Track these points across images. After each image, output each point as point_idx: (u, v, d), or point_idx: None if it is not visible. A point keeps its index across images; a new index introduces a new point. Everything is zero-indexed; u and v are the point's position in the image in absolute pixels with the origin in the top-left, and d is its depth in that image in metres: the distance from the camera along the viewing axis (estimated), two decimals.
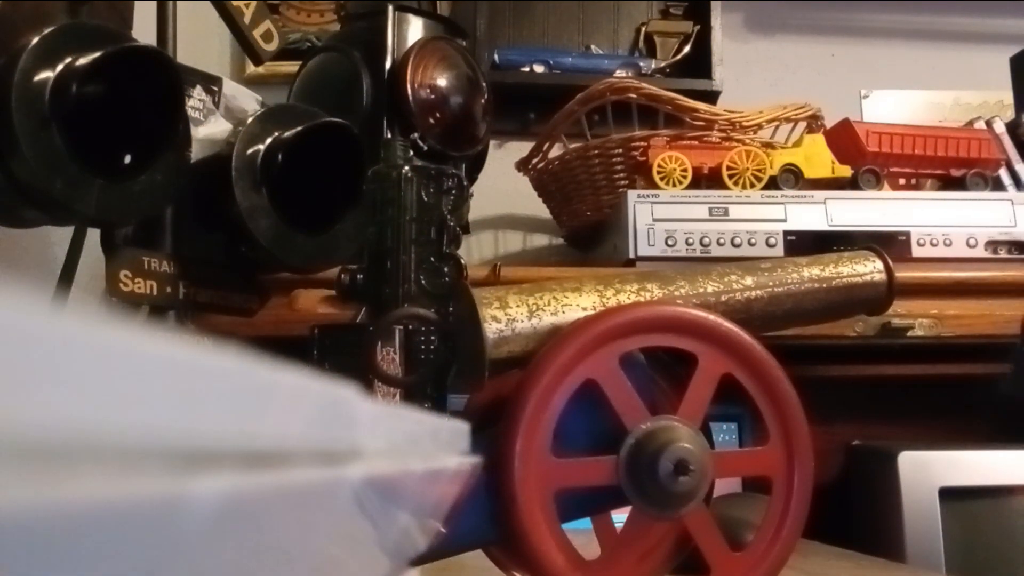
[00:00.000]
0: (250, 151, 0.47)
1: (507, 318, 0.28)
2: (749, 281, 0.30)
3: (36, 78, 0.39)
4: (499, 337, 0.28)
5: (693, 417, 0.26)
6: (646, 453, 0.25)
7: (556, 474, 0.26)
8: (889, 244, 1.17)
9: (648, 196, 1.37)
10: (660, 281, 0.29)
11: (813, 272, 0.31)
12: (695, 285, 0.29)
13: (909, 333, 1.13)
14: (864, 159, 1.32)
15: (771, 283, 0.30)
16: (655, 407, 0.26)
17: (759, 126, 1.32)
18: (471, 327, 0.28)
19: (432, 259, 0.49)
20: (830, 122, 1.38)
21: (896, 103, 1.70)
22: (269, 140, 0.47)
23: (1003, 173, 1.42)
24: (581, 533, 0.32)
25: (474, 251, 1.78)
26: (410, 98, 0.65)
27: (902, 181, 1.37)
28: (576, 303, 0.28)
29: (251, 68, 1.67)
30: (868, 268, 0.33)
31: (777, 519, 0.26)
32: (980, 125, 1.47)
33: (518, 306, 0.28)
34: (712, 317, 0.27)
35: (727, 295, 0.29)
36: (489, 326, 0.28)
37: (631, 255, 1.34)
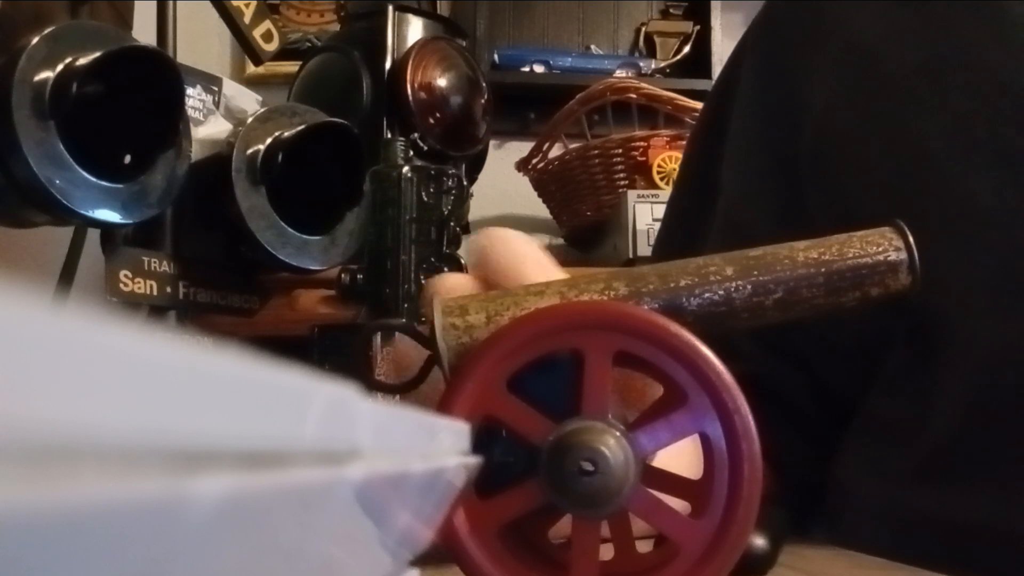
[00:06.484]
0: (250, 151, 0.47)
1: (466, 325, 0.27)
2: (729, 271, 0.28)
3: (36, 78, 0.39)
4: (459, 345, 0.27)
5: (598, 410, 0.25)
6: (560, 464, 0.24)
7: (489, 516, 0.25)
8: None
9: (648, 196, 1.37)
10: (628, 279, 0.28)
11: (810, 255, 0.28)
12: (666, 280, 0.28)
13: None
14: None
15: (756, 271, 0.28)
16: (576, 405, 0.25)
17: None
18: (434, 337, 0.27)
19: (432, 259, 0.49)
20: None
21: None
22: (269, 140, 0.47)
23: None
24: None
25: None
26: (410, 98, 0.65)
27: None
28: (536, 306, 0.27)
29: (251, 68, 1.67)
30: (882, 246, 0.29)
31: (727, 474, 0.25)
32: None
33: (477, 312, 0.27)
34: (582, 302, 0.26)
35: (701, 288, 0.28)
36: (448, 334, 0.27)
37: (631, 255, 1.34)
